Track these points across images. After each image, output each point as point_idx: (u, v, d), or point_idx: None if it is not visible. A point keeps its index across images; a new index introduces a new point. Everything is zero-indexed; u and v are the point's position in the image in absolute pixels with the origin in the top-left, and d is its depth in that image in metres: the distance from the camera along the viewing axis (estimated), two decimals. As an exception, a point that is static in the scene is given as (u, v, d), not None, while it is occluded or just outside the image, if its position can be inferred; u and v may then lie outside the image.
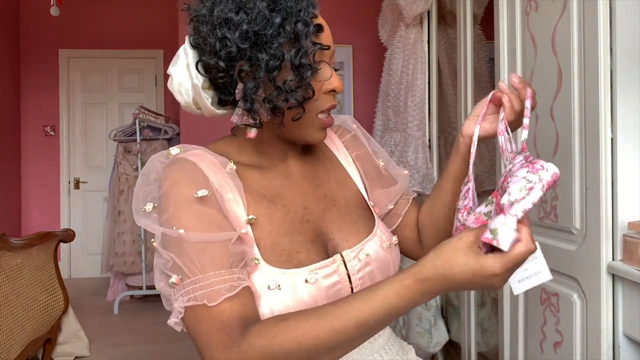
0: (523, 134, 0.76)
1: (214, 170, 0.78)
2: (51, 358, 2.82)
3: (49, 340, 2.74)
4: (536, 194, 0.62)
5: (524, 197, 0.61)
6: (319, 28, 0.78)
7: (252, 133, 0.81)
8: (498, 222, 0.61)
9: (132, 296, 4.30)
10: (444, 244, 0.65)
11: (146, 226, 0.78)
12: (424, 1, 2.48)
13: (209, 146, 0.86)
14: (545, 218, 1.41)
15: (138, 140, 4.20)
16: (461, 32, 2.13)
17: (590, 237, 1.21)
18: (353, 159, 0.98)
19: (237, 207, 0.78)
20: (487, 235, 0.60)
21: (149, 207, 0.79)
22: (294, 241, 0.80)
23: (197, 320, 0.70)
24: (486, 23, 2.49)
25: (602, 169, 1.17)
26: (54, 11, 3.52)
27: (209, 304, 0.68)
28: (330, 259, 0.81)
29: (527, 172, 0.63)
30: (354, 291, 0.82)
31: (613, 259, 1.17)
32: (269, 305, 0.74)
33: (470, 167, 0.82)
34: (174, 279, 0.71)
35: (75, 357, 3.04)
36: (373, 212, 0.94)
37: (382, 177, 0.99)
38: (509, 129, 0.81)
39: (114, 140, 4.41)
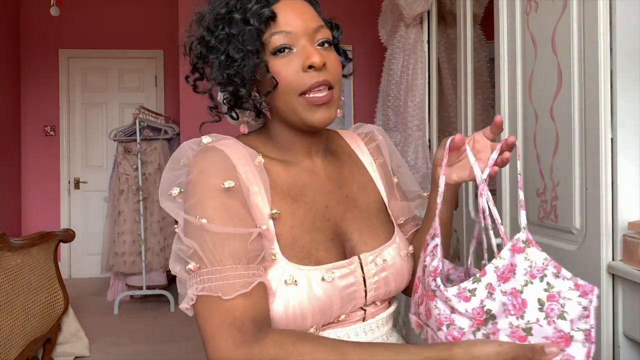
0: (522, 219, 0.70)
1: (242, 162, 0.79)
2: (51, 358, 2.82)
3: (49, 340, 2.74)
4: (592, 321, 0.64)
5: (591, 328, 0.63)
6: (267, 17, 0.78)
7: (243, 128, 0.85)
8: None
9: (132, 296, 4.30)
10: (479, 346, 0.65)
11: (170, 210, 0.79)
12: (424, 1, 2.48)
13: (239, 137, 0.87)
14: (545, 218, 1.41)
15: (138, 140, 4.20)
16: (461, 32, 2.13)
17: (590, 237, 1.21)
18: (377, 166, 0.98)
19: (262, 201, 0.78)
20: None
21: (176, 191, 0.79)
22: (314, 238, 0.80)
23: (208, 311, 0.70)
24: (486, 23, 2.49)
25: (602, 169, 1.17)
26: (54, 11, 3.52)
27: (224, 297, 0.69)
28: (348, 260, 0.81)
29: (578, 295, 0.64)
30: (367, 295, 0.82)
31: (613, 259, 1.17)
32: (284, 302, 0.74)
33: (436, 219, 0.77)
34: (191, 266, 0.72)
35: (75, 357, 3.04)
36: (393, 219, 0.94)
37: (400, 191, 0.99)
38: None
39: (114, 140, 4.41)
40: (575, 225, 1.27)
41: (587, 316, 0.63)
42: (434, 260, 0.74)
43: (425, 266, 0.76)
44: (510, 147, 0.79)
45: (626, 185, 1.15)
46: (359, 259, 0.82)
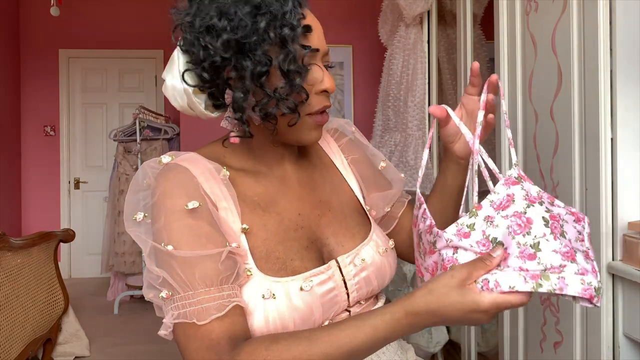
0: (512, 156, 0.77)
1: (207, 177, 0.77)
2: (51, 358, 2.81)
3: (49, 340, 2.74)
4: (588, 244, 0.68)
5: (588, 249, 0.67)
6: (307, 29, 0.75)
7: (235, 139, 0.80)
8: (593, 280, 0.63)
9: (132, 296, 4.30)
10: (435, 281, 0.66)
11: (135, 237, 0.77)
12: (424, 1, 2.48)
13: (203, 149, 0.84)
14: (545, 218, 1.41)
15: (138, 140, 4.20)
16: (461, 32, 2.13)
17: (590, 237, 1.21)
18: (349, 163, 0.97)
19: (232, 216, 0.76)
20: (591, 292, 0.62)
21: (140, 216, 0.77)
22: (288, 249, 0.79)
23: (186, 337, 0.70)
24: (486, 23, 2.50)
25: (602, 169, 1.17)
26: (54, 11, 3.52)
27: (199, 322, 0.69)
28: (325, 266, 0.80)
29: (573, 220, 0.69)
30: (350, 297, 0.81)
31: (613, 259, 1.17)
32: (263, 316, 0.73)
33: (417, 188, 0.82)
34: (164, 293, 0.72)
35: (75, 357, 3.04)
36: (369, 216, 0.93)
37: (378, 181, 0.98)
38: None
39: (114, 140, 4.41)
40: (575, 225, 1.27)
41: (582, 240, 0.67)
42: (426, 220, 0.76)
43: (420, 233, 0.78)
44: (494, 88, 0.80)
45: (626, 185, 1.15)
46: (337, 262, 0.81)
